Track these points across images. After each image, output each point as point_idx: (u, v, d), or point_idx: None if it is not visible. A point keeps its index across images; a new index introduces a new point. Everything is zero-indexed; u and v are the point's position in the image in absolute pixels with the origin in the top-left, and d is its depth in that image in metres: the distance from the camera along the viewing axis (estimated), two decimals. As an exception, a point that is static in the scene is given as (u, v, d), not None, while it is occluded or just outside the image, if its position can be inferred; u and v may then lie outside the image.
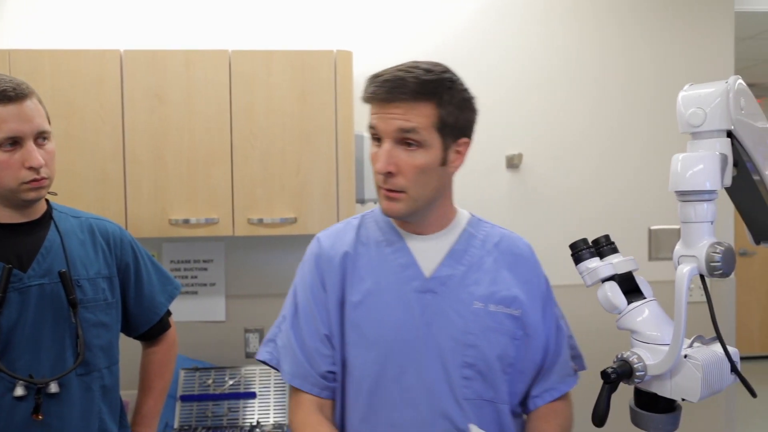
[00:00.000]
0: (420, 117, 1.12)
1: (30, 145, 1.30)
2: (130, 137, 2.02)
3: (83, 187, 2.00)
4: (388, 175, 1.14)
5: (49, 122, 1.38)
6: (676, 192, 1.06)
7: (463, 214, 1.30)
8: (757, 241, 1.12)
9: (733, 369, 1.04)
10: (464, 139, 1.20)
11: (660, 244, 2.51)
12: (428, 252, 1.23)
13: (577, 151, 2.51)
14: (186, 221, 2.03)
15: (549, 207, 2.50)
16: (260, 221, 2.05)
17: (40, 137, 1.33)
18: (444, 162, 1.17)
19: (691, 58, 2.53)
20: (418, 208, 1.17)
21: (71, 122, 1.99)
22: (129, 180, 2.02)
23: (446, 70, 1.18)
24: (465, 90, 1.19)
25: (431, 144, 1.13)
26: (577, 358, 1.33)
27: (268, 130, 2.05)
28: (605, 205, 2.52)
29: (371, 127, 1.16)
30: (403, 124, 1.12)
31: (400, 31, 2.42)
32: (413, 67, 1.15)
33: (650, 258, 2.54)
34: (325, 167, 2.07)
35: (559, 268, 2.58)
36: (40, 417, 1.32)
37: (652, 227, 2.52)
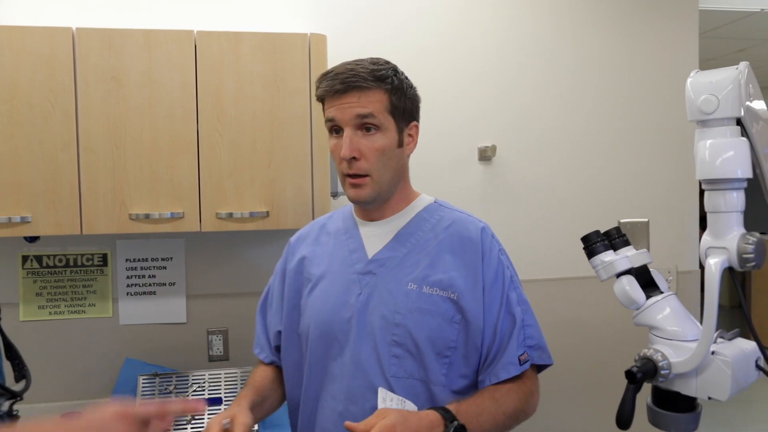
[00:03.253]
0: (374, 102, 1.20)
1: None
2: (84, 124, 1.84)
3: (31, 178, 1.81)
4: (353, 160, 1.20)
5: None
6: (704, 181, 1.02)
7: (423, 200, 1.34)
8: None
9: (758, 365, 1.01)
10: (414, 123, 1.28)
11: (630, 237, 2.50)
12: (379, 236, 1.29)
13: (551, 143, 2.48)
14: (147, 216, 1.87)
15: (522, 200, 2.47)
16: (230, 216, 1.91)
17: None
18: (401, 144, 1.25)
19: (658, 54, 2.54)
20: (381, 191, 1.24)
21: (16, 106, 1.79)
22: (83, 171, 1.84)
23: (389, 62, 1.26)
24: (407, 78, 1.28)
25: (387, 127, 1.22)
26: (536, 348, 1.27)
27: (238, 118, 1.91)
28: (577, 198, 2.50)
29: (329, 120, 1.23)
30: (360, 110, 1.19)
31: (376, 15, 2.32)
32: (359, 61, 1.23)
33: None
34: (299, 158, 1.95)
35: (530, 261, 2.57)
36: None
37: (622, 220, 2.52)
